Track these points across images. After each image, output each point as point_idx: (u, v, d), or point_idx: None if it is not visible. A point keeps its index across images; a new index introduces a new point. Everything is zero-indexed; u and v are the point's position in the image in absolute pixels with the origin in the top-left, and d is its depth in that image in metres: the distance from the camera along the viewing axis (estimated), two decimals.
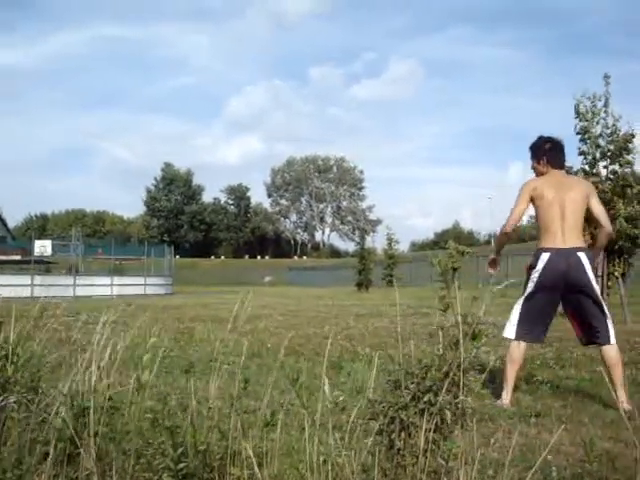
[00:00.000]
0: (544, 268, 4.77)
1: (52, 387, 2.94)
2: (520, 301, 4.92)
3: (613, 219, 9.85)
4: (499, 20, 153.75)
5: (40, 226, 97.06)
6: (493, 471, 3.02)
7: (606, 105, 11.33)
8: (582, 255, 4.76)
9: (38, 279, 29.02)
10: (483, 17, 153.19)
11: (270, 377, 3.16)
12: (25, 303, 5.92)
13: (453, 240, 29.58)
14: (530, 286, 4.86)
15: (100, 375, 2.71)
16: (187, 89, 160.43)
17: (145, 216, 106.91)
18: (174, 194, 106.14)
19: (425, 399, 2.31)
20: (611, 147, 11.18)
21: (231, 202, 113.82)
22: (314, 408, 2.41)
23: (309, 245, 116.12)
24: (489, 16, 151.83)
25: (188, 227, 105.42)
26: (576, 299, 4.80)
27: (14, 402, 2.79)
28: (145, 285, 34.44)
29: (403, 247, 75.65)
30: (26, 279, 28.63)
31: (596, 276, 5.14)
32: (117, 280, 33.31)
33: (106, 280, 32.98)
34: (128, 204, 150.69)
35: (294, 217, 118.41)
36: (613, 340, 4.76)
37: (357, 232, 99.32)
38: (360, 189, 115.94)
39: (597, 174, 10.97)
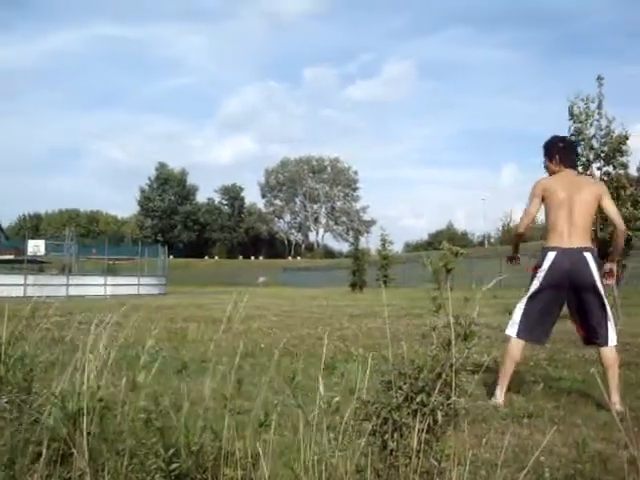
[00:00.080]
0: (550, 267, 4.77)
1: (45, 387, 2.94)
2: (524, 300, 4.93)
3: (605, 221, 9.89)
4: (495, 22, 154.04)
5: (33, 226, 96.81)
6: (485, 472, 3.03)
7: (600, 107, 11.37)
8: (588, 255, 4.75)
9: (31, 279, 28.91)
10: (479, 19, 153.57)
11: (264, 377, 3.16)
12: (18, 303, 5.90)
13: (447, 241, 29.65)
14: (535, 284, 4.86)
15: (93, 375, 2.70)
16: (182, 89, 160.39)
17: (139, 216, 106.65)
18: (168, 194, 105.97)
19: (418, 400, 2.32)
20: (605, 149, 11.22)
21: (225, 202, 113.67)
22: (308, 408, 2.41)
23: (303, 245, 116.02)
24: (485, 18, 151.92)
25: (182, 227, 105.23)
26: (580, 299, 4.80)
27: (6, 402, 2.79)
28: (139, 285, 34.38)
29: (397, 248, 75.78)
30: (19, 279, 28.56)
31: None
32: (110, 280, 33.25)
33: (99, 280, 32.91)
34: (122, 204, 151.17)
35: (288, 217, 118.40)
36: (612, 342, 4.77)
37: (351, 233, 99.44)
38: (354, 190, 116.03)
39: (591, 176, 11.00)
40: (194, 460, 2.35)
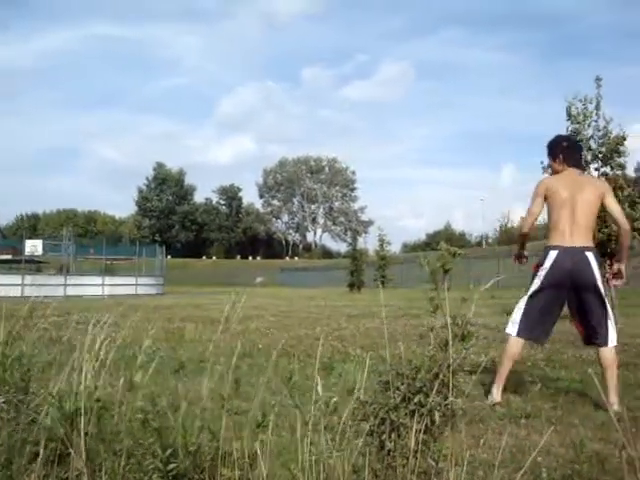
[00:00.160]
0: (551, 266, 4.77)
1: (42, 387, 2.94)
2: (524, 298, 4.93)
3: (604, 222, 9.90)
4: (492, 23, 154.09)
5: (31, 225, 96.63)
6: (483, 472, 3.03)
7: (597, 108, 11.39)
8: (590, 255, 4.75)
9: (29, 279, 28.86)
10: (476, 20, 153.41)
11: (261, 378, 3.16)
12: (15, 303, 5.89)
13: (445, 241, 29.68)
14: (536, 282, 4.86)
15: (90, 375, 2.70)
16: (180, 89, 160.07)
17: (137, 216, 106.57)
18: (166, 194, 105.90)
19: (415, 400, 2.32)
20: (602, 149, 11.23)
21: (223, 202, 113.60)
22: (305, 409, 2.41)
23: (301, 246, 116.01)
24: (482, 19, 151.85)
25: (180, 227, 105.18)
26: (581, 298, 4.80)
27: (4, 402, 2.78)
28: (136, 285, 34.35)
29: (395, 248, 75.65)
30: (16, 279, 28.54)
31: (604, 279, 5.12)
32: (108, 280, 33.23)
33: (97, 280, 32.90)
34: (119, 204, 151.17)
35: (286, 218, 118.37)
36: (612, 342, 4.77)
37: (349, 233, 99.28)
38: (352, 190, 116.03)
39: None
40: (191, 460, 2.35)
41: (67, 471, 2.52)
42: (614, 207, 4.89)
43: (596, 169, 11.24)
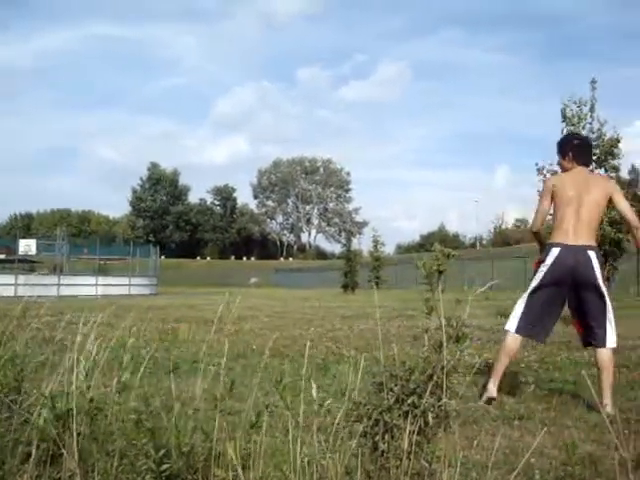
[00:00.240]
0: (553, 263, 4.76)
1: (35, 387, 2.93)
2: (525, 295, 4.93)
3: (601, 224, 9.92)
4: (490, 24, 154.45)
5: (25, 225, 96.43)
6: (476, 473, 3.03)
7: (592, 110, 11.45)
8: (592, 253, 4.75)
9: (22, 278, 28.79)
10: (474, 20, 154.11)
11: (255, 379, 3.16)
12: (8, 302, 5.88)
13: (439, 243, 29.76)
14: (537, 279, 4.86)
15: (82, 376, 2.70)
16: (176, 89, 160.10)
17: (130, 216, 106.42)
18: (160, 194, 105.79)
19: (409, 401, 2.32)
20: (597, 151, 11.26)
21: (217, 203, 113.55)
22: (298, 410, 2.41)
23: (295, 246, 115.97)
24: (480, 20, 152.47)
25: (174, 227, 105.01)
26: (581, 298, 4.79)
27: None
28: (130, 285, 34.31)
29: (389, 249, 75.86)
30: (10, 278, 28.45)
31: None
32: (102, 280, 33.19)
33: (91, 280, 32.83)
34: (113, 204, 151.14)
35: (280, 218, 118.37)
36: (610, 344, 4.76)
37: (343, 234, 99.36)
38: (347, 191, 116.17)
39: None
40: (185, 461, 2.35)
41: (59, 471, 2.51)
42: (623, 205, 4.87)
43: (590, 171, 11.27)
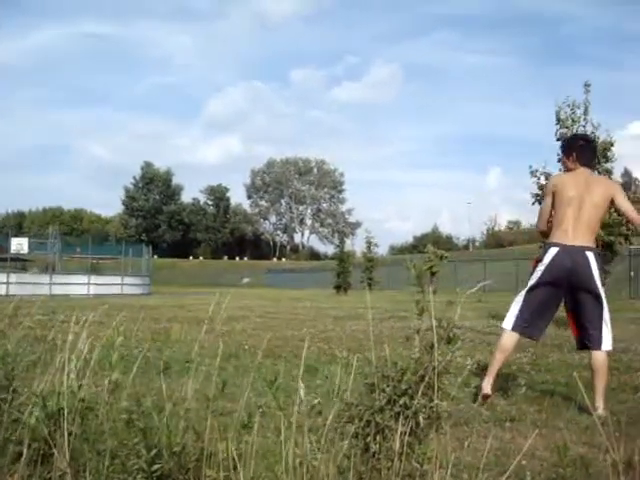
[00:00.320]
0: (550, 262, 4.77)
1: (26, 386, 2.92)
2: (522, 293, 4.94)
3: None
4: (483, 27, 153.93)
5: (17, 223, 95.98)
6: (467, 475, 3.03)
7: (586, 113, 11.46)
8: (590, 255, 4.75)
9: (14, 277, 28.77)
10: (466, 23, 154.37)
11: (247, 379, 3.15)
12: (0, 301, 5.86)
13: (432, 244, 29.82)
14: (534, 278, 4.87)
15: (73, 375, 2.69)
16: (169, 89, 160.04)
17: (123, 215, 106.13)
18: (153, 193, 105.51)
19: (401, 402, 2.32)
20: None
21: (210, 202, 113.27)
22: (290, 410, 2.41)
23: (288, 247, 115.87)
24: (472, 23, 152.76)
25: (166, 227, 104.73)
26: (577, 299, 4.80)
27: None
28: (122, 285, 34.28)
29: (382, 250, 75.78)
30: (1, 277, 28.38)
31: None
32: (94, 279, 33.15)
33: (83, 279, 32.78)
34: (106, 203, 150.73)
35: (273, 219, 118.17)
36: (605, 347, 4.76)
37: (336, 235, 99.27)
38: (340, 192, 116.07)
39: None
40: (176, 461, 2.35)
41: (50, 471, 2.50)
42: (625, 206, 4.89)
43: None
